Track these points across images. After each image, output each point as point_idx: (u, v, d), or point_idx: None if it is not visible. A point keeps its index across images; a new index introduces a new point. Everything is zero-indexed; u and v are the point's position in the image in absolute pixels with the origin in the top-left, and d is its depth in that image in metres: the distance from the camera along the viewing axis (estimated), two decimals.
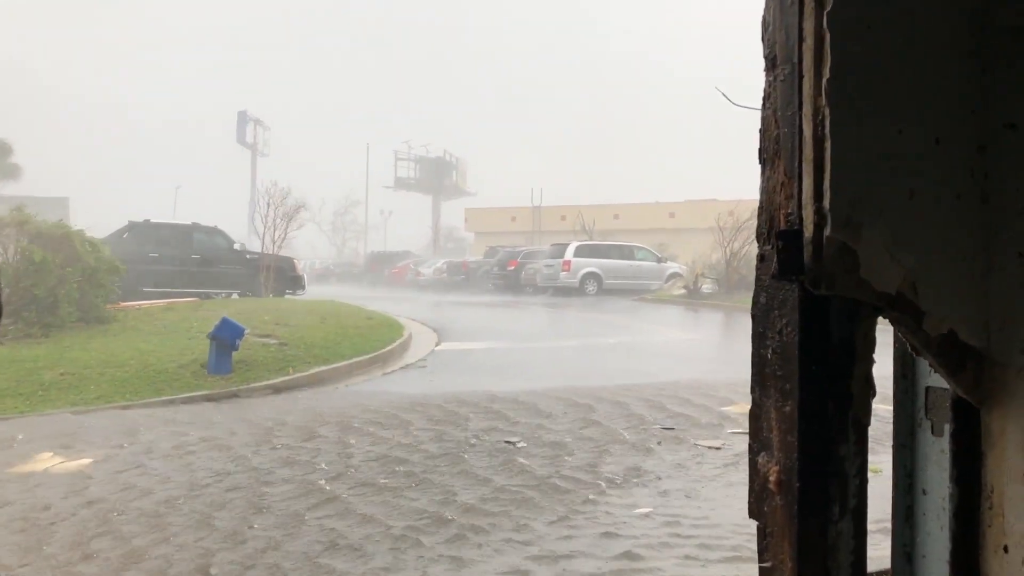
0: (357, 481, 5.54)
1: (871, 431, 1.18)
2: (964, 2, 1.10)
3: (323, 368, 10.78)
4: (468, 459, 6.07)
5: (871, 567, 1.19)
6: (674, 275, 30.10)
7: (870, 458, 1.20)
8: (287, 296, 22.52)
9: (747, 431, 1.20)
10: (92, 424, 7.61)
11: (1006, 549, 1.12)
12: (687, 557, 4.15)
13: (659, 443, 6.57)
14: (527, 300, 28.17)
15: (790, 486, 1.10)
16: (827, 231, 1.03)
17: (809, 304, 1.09)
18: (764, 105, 1.15)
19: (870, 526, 1.19)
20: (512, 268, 34.71)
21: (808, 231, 1.05)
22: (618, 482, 5.51)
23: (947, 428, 1.18)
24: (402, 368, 11.74)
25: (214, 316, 11.93)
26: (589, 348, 14.34)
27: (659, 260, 31.22)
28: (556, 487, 5.37)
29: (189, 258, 22.09)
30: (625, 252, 31.27)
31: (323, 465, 5.96)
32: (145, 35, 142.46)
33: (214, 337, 9.99)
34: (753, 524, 1.21)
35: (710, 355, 13.57)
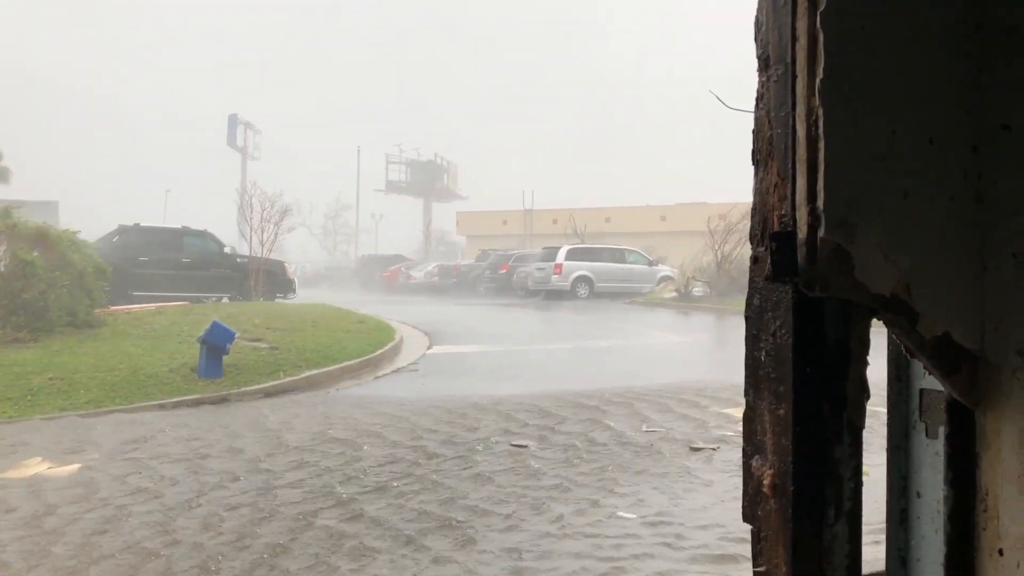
0: (360, 485, 5.51)
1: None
2: (959, 1, 1.09)
3: (314, 372, 10.74)
4: (444, 467, 6.05)
5: (864, 570, 1.18)
6: (665, 278, 30.16)
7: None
8: (278, 300, 22.45)
9: (740, 433, 1.20)
10: (82, 429, 7.55)
11: (1001, 552, 1.11)
12: (680, 559, 4.14)
13: (650, 444, 6.57)
14: (519, 303, 28.16)
15: (784, 489, 1.09)
16: (821, 232, 1.02)
17: (803, 306, 1.09)
18: (757, 106, 1.15)
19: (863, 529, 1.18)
20: (504, 271, 34.74)
21: (802, 232, 1.04)
22: (610, 486, 5.50)
23: (941, 430, 1.18)
24: (393, 372, 11.71)
25: (204, 320, 11.88)
26: (581, 351, 14.34)
27: (650, 263, 31.27)
28: (565, 488, 5.36)
29: (179, 262, 21.99)
30: (616, 255, 31.32)
31: (312, 468, 5.93)
32: (135, 36, 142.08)
33: (204, 341, 9.94)
34: (746, 524, 1.20)
35: (702, 358, 13.58)
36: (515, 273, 33.53)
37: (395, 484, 5.52)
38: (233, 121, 65.87)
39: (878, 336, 1.17)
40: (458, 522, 4.71)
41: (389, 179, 74.20)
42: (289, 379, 10.28)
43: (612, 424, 7.34)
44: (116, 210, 44.49)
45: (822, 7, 1.02)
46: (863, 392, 1.13)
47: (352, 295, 32.89)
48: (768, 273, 1.07)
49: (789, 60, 1.07)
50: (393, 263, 46.62)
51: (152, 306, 17.84)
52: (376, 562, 4.15)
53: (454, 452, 6.40)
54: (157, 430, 7.38)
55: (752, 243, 1.16)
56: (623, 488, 5.43)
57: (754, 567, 1.16)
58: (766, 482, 1.11)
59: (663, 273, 30.66)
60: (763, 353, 1.13)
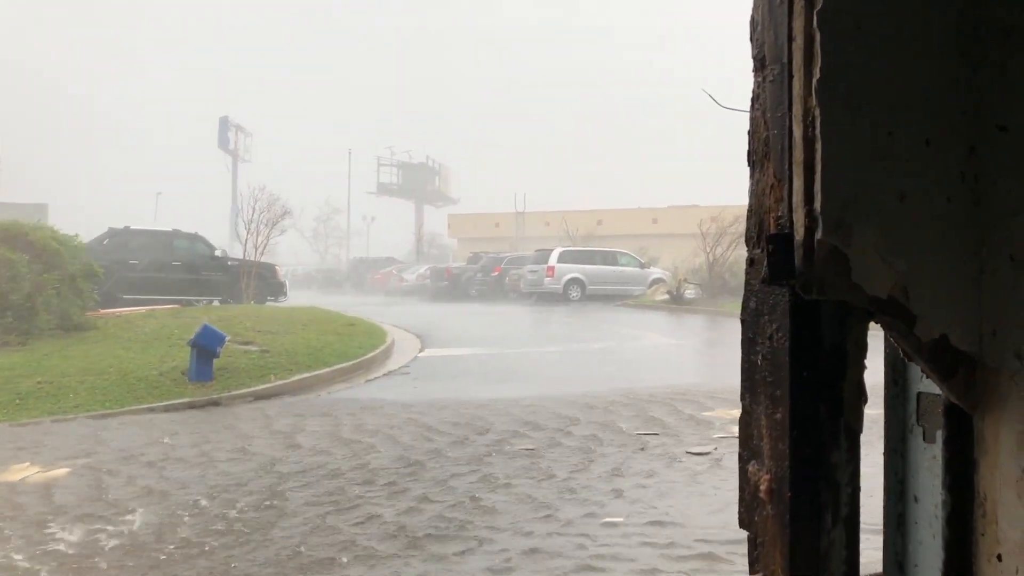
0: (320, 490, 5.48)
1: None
2: (955, 2, 1.08)
3: (305, 375, 10.70)
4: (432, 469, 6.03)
5: (862, 573, 1.17)
6: (657, 280, 30.16)
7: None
8: (269, 303, 22.35)
9: (733, 435, 1.18)
10: (70, 433, 7.50)
11: (1000, 558, 1.10)
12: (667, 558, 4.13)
13: (642, 448, 6.56)
14: (511, 306, 28.13)
15: (781, 495, 1.08)
16: (818, 234, 1.01)
17: (800, 309, 1.07)
18: (753, 106, 1.13)
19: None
20: (496, 274, 34.71)
21: (799, 234, 1.03)
22: (601, 488, 5.48)
23: (939, 434, 1.16)
24: (385, 375, 11.68)
25: (195, 323, 11.81)
26: (573, 354, 14.32)
27: (642, 266, 31.30)
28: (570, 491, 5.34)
29: (170, 265, 21.88)
30: (608, 258, 31.34)
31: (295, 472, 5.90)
32: (124, 38, 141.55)
33: (195, 344, 9.89)
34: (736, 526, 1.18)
35: (694, 360, 13.59)
36: (507, 276, 33.52)
37: (368, 494, 5.49)
38: (224, 123, 65.66)
39: (874, 339, 1.15)
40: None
41: (380, 181, 74.13)
42: (280, 382, 10.24)
43: (607, 426, 7.32)
44: (106, 212, 44.27)
45: (819, 6, 1.01)
46: (860, 396, 1.12)
47: (343, 298, 32.82)
48: (765, 276, 1.05)
49: (785, 60, 1.05)
50: (384, 266, 46.54)
51: (142, 309, 17.74)
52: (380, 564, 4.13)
53: (432, 460, 6.38)
54: (147, 434, 7.33)
55: (748, 245, 1.14)
56: (628, 494, 5.42)
57: (751, 573, 1.15)
58: (763, 487, 1.10)
59: (655, 275, 30.67)
60: (759, 357, 1.12)
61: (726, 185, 34.18)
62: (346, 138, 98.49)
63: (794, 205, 1.05)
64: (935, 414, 1.17)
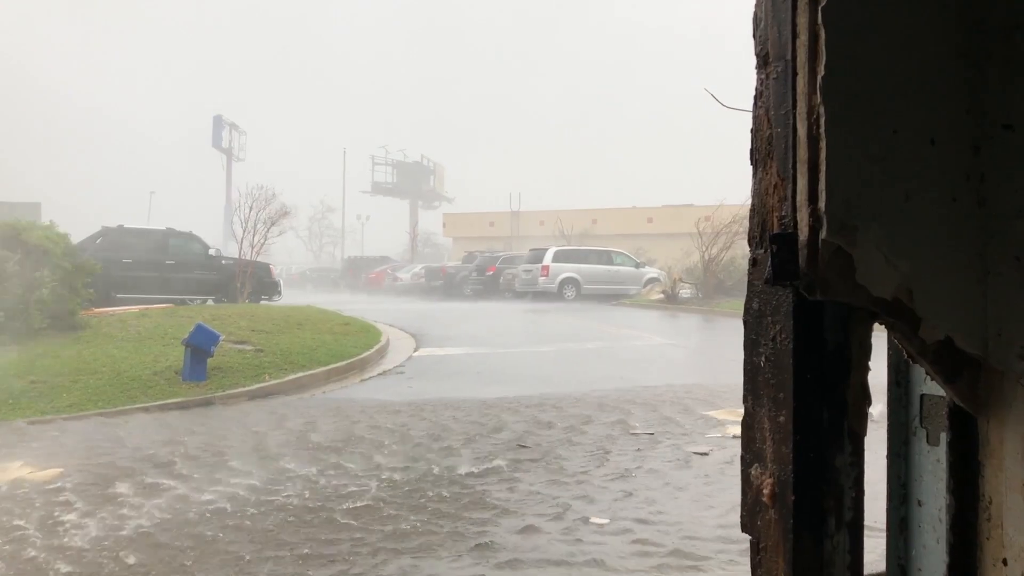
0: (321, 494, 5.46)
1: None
2: (960, 0, 1.07)
3: (300, 375, 10.66)
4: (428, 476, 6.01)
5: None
6: (652, 280, 30.17)
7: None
8: (263, 302, 22.28)
9: (733, 434, 1.17)
10: (64, 433, 7.46)
11: (1005, 562, 1.09)
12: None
13: (638, 449, 6.54)
14: (506, 305, 28.11)
15: (784, 498, 1.06)
16: (823, 234, 0.99)
17: (803, 310, 1.06)
18: (756, 104, 1.11)
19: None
20: (490, 273, 34.71)
21: (803, 234, 1.01)
22: (603, 488, 5.47)
23: (943, 437, 1.15)
24: (380, 374, 11.64)
25: (189, 322, 11.76)
26: (568, 353, 14.31)
27: (637, 265, 31.30)
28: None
29: (163, 264, 21.79)
30: (603, 257, 31.34)
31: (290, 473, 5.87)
32: (117, 37, 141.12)
33: (189, 344, 9.85)
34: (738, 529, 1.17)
35: (690, 360, 13.59)
36: (502, 275, 33.51)
37: (367, 494, 5.47)
38: (218, 122, 65.49)
39: (878, 340, 1.14)
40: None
41: (375, 180, 74.05)
42: (274, 382, 10.20)
43: (601, 426, 7.31)
44: (100, 211, 44.16)
45: (823, 2, 0.99)
46: (864, 398, 1.10)
47: (338, 297, 32.75)
48: (768, 276, 1.04)
49: (789, 57, 1.04)
50: (379, 265, 46.47)
51: (136, 308, 17.66)
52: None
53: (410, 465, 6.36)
54: (140, 434, 7.30)
55: (751, 245, 1.13)
56: (627, 494, 5.40)
57: None
58: (765, 491, 1.08)
59: (650, 275, 30.67)
60: (762, 358, 1.10)
61: (722, 184, 34.16)
62: (341, 137, 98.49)
63: (798, 204, 1.03)
64: (939, 416, 1.16)
